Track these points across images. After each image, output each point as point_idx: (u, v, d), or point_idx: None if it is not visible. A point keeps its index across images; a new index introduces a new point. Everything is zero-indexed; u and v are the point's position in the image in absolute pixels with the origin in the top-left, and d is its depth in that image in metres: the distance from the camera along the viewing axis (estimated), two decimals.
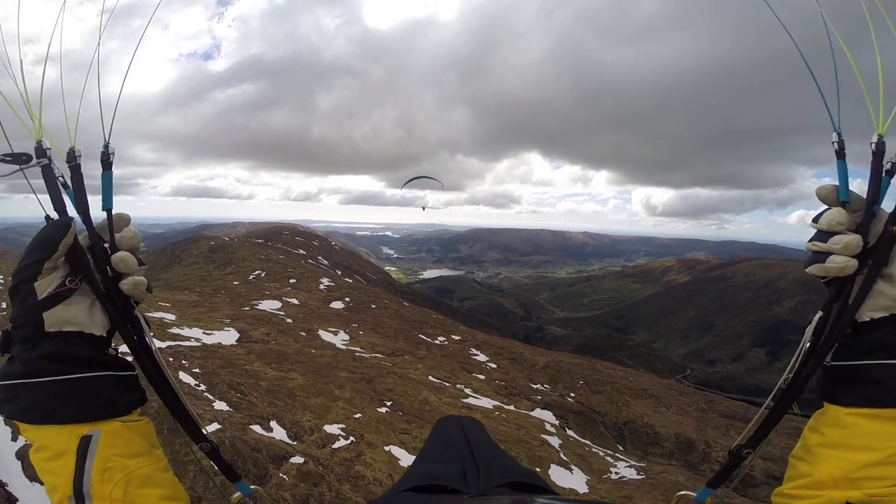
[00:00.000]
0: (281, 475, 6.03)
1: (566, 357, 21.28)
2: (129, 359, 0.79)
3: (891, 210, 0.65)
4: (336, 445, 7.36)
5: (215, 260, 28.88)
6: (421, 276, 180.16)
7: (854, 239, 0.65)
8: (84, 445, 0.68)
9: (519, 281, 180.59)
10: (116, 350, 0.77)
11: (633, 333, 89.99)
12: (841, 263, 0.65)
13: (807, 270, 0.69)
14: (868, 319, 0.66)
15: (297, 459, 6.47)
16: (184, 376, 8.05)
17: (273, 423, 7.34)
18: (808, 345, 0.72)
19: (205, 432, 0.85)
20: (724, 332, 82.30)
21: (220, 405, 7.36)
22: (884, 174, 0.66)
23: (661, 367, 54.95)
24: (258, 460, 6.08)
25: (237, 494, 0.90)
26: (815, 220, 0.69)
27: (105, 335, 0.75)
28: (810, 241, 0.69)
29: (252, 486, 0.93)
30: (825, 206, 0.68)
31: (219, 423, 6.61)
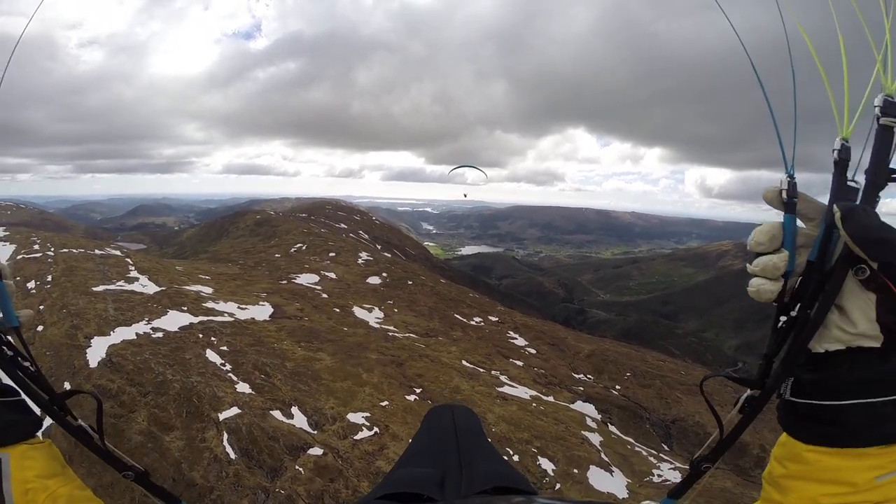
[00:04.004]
0: (297, 467, 5.69)
1: (613, 345, 20.08)
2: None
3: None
4: (358, 436, 6.96)
5: (260, 233, 29.66)
6: (459, 252, 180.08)
7: (772, 260, 0.59)
8: None
9: (560, 260, 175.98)
10: None
11: (683, 321, 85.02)
12: (754, 287, 0.61)
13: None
14: (823, 351, 0.60)
15: (316, 451, 6.11)
16: (210, 355, 7.92)
17: (294, 410, 7.03)
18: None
19: (128, 462, 0.75)
20: None
21: (242, 387, 7.14)
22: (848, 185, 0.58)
23: (710, 359, 51.79)
24: (274, 450, 5.76)
25: None
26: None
27: None
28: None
29: None
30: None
31: (238, 408, 6.37)
